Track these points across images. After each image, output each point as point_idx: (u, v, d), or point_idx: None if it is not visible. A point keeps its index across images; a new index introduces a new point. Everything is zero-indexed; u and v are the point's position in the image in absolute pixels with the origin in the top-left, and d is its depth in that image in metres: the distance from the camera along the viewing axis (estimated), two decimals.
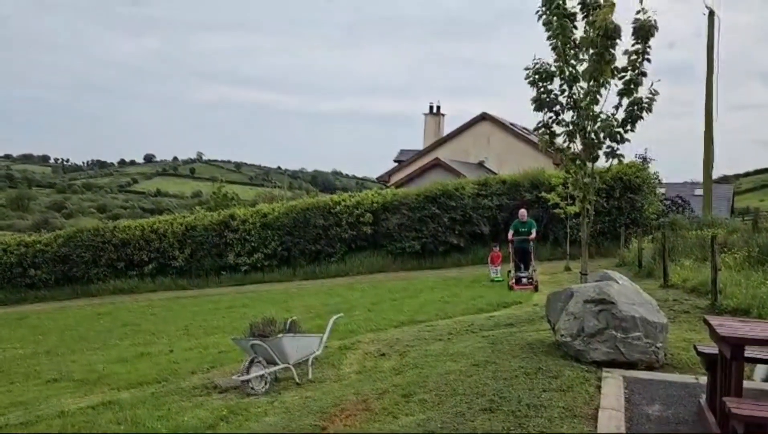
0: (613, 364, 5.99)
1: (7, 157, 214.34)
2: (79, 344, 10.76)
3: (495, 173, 25.09)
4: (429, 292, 13.62)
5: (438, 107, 35.46)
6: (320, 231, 21.05)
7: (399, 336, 8.08)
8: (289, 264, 21.40)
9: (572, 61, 7.79)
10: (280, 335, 6.06)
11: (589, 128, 7.68)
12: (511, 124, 31.88)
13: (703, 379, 5.59)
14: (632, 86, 7.58)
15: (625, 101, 7.63)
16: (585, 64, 7.69)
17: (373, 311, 11.29)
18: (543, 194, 17.35)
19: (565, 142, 7.90)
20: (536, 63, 7.85)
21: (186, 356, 8.18)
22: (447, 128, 34.41)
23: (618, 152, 7.69)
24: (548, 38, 7.76)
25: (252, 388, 5.87)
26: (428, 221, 19.90)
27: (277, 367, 6.12)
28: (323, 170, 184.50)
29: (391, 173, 33.37)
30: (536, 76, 7.70)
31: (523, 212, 14.62)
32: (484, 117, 31.82)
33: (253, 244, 21.66)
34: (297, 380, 6.24)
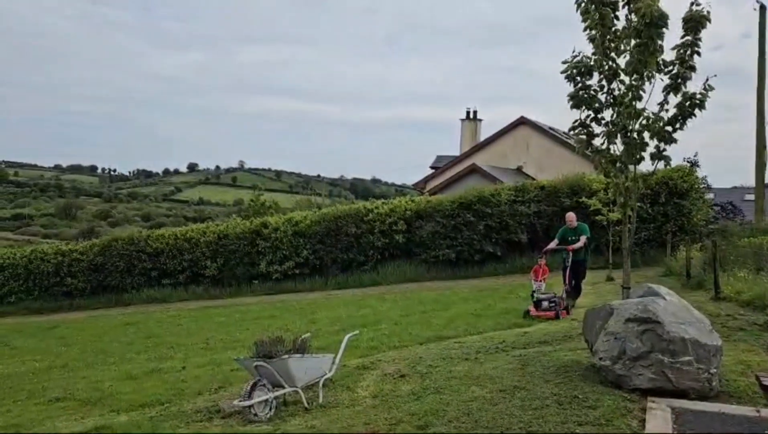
0: (659, 392, 5.28)
1: (57, 167, 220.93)
2: (97, 357, 10.44)
3: (534, 179, 24.24)
4: (461, 304, 12.96)
5: (475, 113, 34.79)
6: (352, 239, 20.55)
7: (423, 354, 7.47)
8: (321, 273, 20.96)
9: (612, 54, 7.09)
10: (285, 356, 5.51)
11: (630, 127, 6.97)
12: (551, 128, 30.96)
13: (767, 412, 4.86)
14: (680, 81, 6.85)
15: (672, 98, 6.90)
16: (627, 57, 6.98)
17: (399, 325, 10.70)
18: (583, 199, 16.51)
19: (604, 143, 7.20)
20: (575, 56, 7.16)
21: (197, 373, 7.73)
22: (484, 134, 33.69)
23: (665, 154, 6.96)
24: (586, 29, 7.08)
25: (255, 414, 5.34)
26: (463, 228, 19.21)
27: (283, 391, 5.58)
28: (363, 178, 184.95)
29: (427, 180, 32.79)
30: (574, 71, 7.01)
31: (571, 215, 12.03)
32: (522, 121, 31.01)
33: (284, 252, 21.28)
34: (306, 405, 5.69)
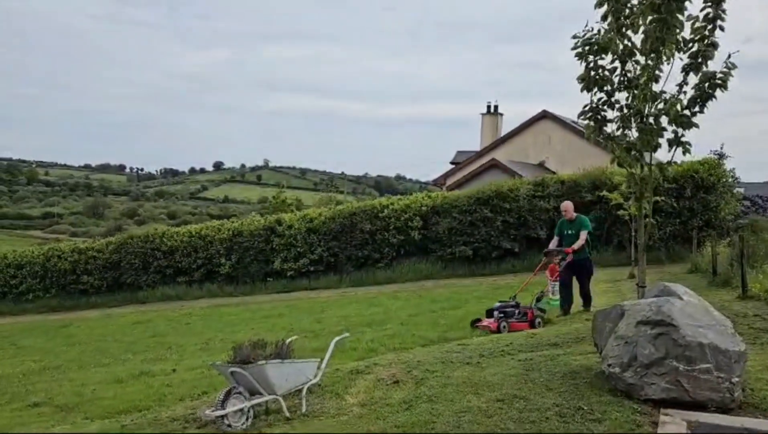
0: (674, 404, 4.73)
1: (87, 167, 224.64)
2: (93, 358, 10.15)
3: (555, 174, 23.55)
4: (474, 303, 12.43)
5: (496, 107, 34.06)
6: (367, 236, 20.10)
7: (422, 357, 6.98)
8: (336, 270, 20.56)
9: (628, 33, 6.50)
10: (262, 362, 5.06)
11: (646, 111, 6.38)
12: (573, 122, 30.15)
13: None
14: (700, 60, 6.25)
15: (692, 78, 6.30)
16: (642, 35, 6.39)
17: (406, 325, 10.24)
18: (605, 193, 15.85)
19: (618, 129, 6.62)
20: (586, 31, 6.57)
21: (185, 377, 7.35)
22: (506, 129, 32.98)
23: (683, 140, 6.36)
24: (597, 5, 6.50)
25: (228, 425, 4.91)
26: (480, 224, 18.64)
27: (261, 399, 5.13)
28: (387, 175, 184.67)
29: (447, 176, 32.20)
30: (586, 48, 6.44)
31: (567, 204, 10.20)
32: (544, 115, 30.25)
33: (299, 249, 20.91)
34: (287, 414, 5.24)
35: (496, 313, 9.23)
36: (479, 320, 9.36)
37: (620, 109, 6.66)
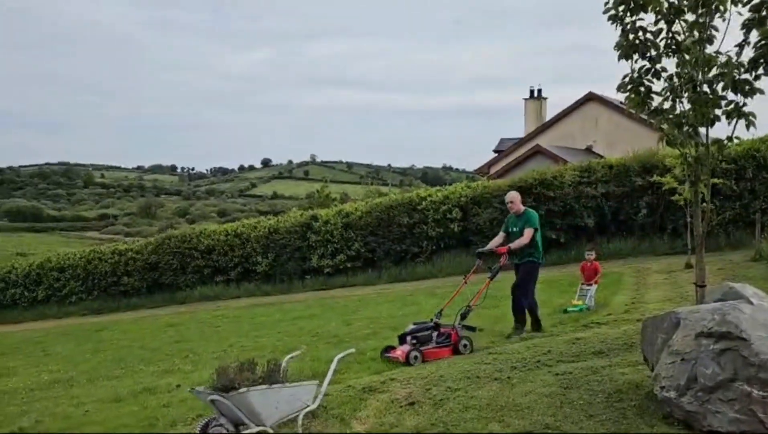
0: None
1: (140, 168, 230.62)
2: (108, 369, 9.68)
3: (603, 158, 22.25)
4: None
5: (539, 91, 32.78)
6: (405, 230, 19.31)
7: (446, 370, 6.16)
8: (374, 266, 19.83)
9: None
10: (243, 389, 4.33)
11: (699, 78, 5.39)
12: (622, 103, 28.60)
13: None
14: (764, 13, 5.22)
15: (754, 35, 5.27)
16: None
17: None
18: (656, 177, 14.66)
19: (666, 101, 5.64)
20: None
21: (185, 396, 6.69)
22: (550, 115, 31.62)
23: (745, 110, 5.34)
24: None
25: None
26: None
27: (247, 431, 4.41)
28: (433, 166, 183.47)
29: (490, 164, 31.16)
30: (620, 8, 5.47)
31: (513, 195, 8.47)
32: (590, 98, 28.85)
33: (336, 245, 20.29)
34: None
35: (408, 339, 7.27)
36: (391, 348, 7.37)
37: (668, 78, 5.66)
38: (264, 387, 4.43)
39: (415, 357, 6.97)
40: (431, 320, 7.75)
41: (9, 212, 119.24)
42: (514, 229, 8.34)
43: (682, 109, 5.60)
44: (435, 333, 7.44)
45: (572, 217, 17.37)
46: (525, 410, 4.66)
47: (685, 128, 5.61)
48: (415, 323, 7.68)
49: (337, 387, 6.00)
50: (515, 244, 8.08)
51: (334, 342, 9.35)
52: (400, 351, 7.11)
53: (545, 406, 4.69)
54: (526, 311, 8.28)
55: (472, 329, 7.65)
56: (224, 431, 4.35)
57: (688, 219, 13.80)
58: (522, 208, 8.40)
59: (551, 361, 6.11)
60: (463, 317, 7.68)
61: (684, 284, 10.76)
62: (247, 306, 18.06)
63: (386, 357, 7.26)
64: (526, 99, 32.79)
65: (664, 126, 5.73)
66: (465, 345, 7.34)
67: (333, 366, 5.30)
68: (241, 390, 4.31)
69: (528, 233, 8.10)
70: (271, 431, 4.47)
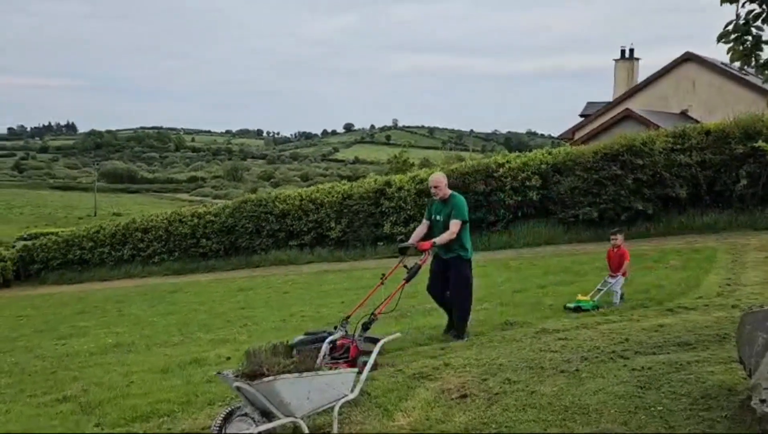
0: None
1: (228, 132, 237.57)
2: (169, 334, 9.61)
3: (700, 123, 20.57)
4: (593, 275, 10.60)
5: (631, 51, 30.73)
6: (481, 197, 18.52)
7: (507, 356, 5.57)
8: None
9: None
10: (270, 377, 3.91)
11: None
12: (723, 63, 26.40)
13: None
14: None
15: None
16: None
17: (505, 306, 8.80)
18: (760, 144, 13.27)
19: None
20: None
21: (231, 367, 6.40)
22: (642, 77, 29.63)
23: None
24: None
25: None
26: (607, 183, 16.45)
27: (274, 423, 3.99)
28: (517, 131, 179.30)
29: (575, 130, 29.67)
30: None
31: (438, 178, 7.11)
32: (688, 58, 26.75)
33: (409, 212, 19.75)
34: None
35: (294, 352, 5.15)
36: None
37: None
38: (294, 375, 3.97)
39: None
40: (343, 323, 6.10)
41: (107, 174, 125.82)
42: (438, 217, 7.12)
43: None
44: (329, 347, 5.61)
45: (662, 187, 16.09)
46: (592, 414, 4.03)
47: None
48: (307, 333, 6.20)
49: (386, 371, 5.54)
50: (440, 239, 6.88)
51: (395, 316, 8.87)
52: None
53: (616, 411, 4.04)
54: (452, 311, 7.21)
55: (374, 341, 5.55)
56: (251, 420, 3.96)
57: None
58: (448, 192, 7.09)
59: (628, 352, 5.40)
60: (365, 328, 6.12)
61: None
62: (318, 272, 17.93)
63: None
64: (616, 60, 30.84)
65: None
66: (365, 362, 5.10)
67: (375, 351, 4.81)
68: (266, 379, 3.89)
69: (455, 225, 6.87)
70: (302, 422, 4.04)
